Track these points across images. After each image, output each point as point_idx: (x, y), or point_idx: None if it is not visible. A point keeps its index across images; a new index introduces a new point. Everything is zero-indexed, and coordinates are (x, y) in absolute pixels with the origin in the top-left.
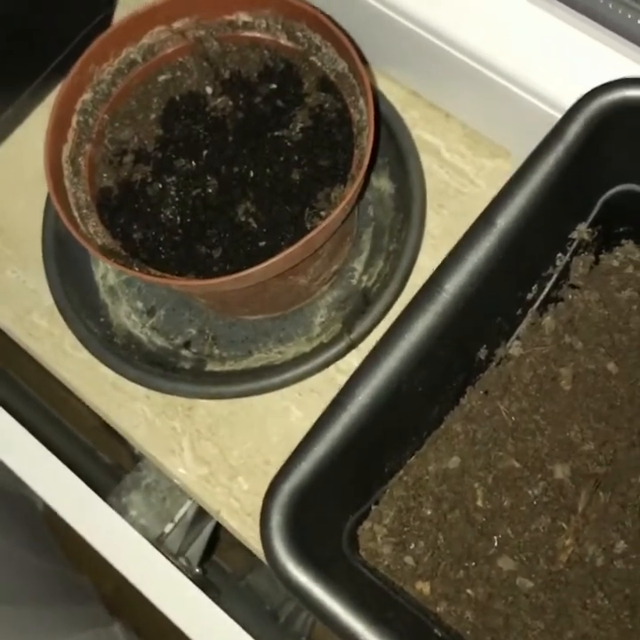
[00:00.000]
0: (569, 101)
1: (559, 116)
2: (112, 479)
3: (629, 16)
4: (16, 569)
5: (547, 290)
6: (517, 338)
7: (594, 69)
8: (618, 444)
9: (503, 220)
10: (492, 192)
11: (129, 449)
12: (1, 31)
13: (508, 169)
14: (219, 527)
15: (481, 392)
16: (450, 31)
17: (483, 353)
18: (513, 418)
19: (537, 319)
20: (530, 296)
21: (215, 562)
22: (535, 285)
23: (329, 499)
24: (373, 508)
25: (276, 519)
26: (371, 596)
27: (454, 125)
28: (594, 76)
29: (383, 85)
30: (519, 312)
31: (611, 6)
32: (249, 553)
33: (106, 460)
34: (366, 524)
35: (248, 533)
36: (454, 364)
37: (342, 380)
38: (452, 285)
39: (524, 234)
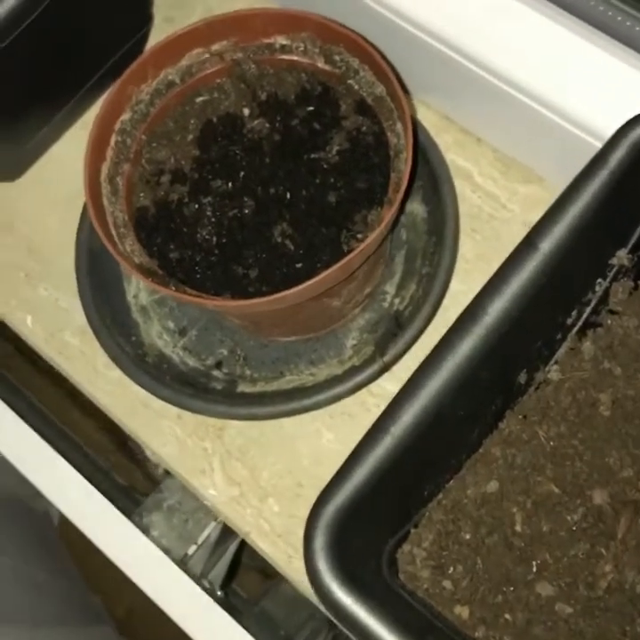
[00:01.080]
0: (604, 127)
1: (594, 142)
2: (129, 501)
3: None
4: (33, 589)
5: (586, 315)
6: (556, 362)
7: (630, 96)
8: None
9: (547, 245)
10: (525, 217)
11: (145, 471)
12: (40, 50)
13: (542, 195)
14: (241, 550)
15: (520, 416)
16: (484, 56)
17: (522, 377)
18: (551, 443)
19: (576, 344)
20: (569, 321)
21: (231, 586)
22: (575, 310)
23: (370, 521)
24: (413, 531)
25: (320, 540)
26: (411, 619)
27: (486, 150)
28: (630, 103)
29: (417, 110)
30: (559, 337)
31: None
32: (264, 578)
33: (122, 483)
34: (406, 547)
35: (278, 555)
36: (495, 387)
37: (374, 402)
38: (496, 308)
39: (567, 258)
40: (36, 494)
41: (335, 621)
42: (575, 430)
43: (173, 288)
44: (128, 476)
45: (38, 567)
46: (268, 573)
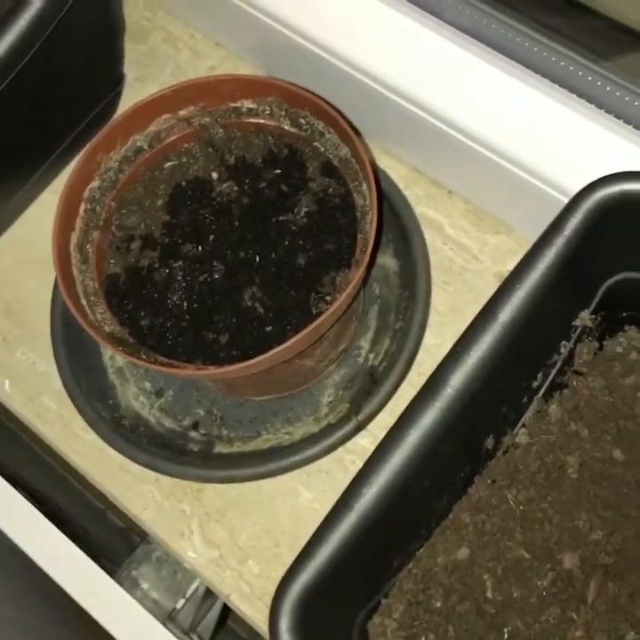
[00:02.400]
0: (573, 184)
1: (559, 196)
2: (123, 543)
3: (636, 103)
4: (28, 636)
5: (551, 377)
6: (523, 425)
7: (597, 154)
8: (625, 533)
9: (506, 314)
10: (496, 268)
11: None
12: (8, 118)
13: (511, 245)
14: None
15: (489, 481)
16: (448, 112)
17: (490, 442)
18: (521, 507)
19: (542, 407)
20: (535, 384)
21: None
22: (540, 373)
23: (338, 596)
24: (383, 601)
25: (286, 621)
26: None
27: (457, 202)
28: (597, 160)
29: (386, 163)
30: (525, 400)
31: (615, 92)
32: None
33: (117, 524)
34: (376, 619)
35: (259, 617)
36: (461, 455)
37: (350, 459)
38: (457, 381)
39: (528, 325)
40: None
41: None
42: (544, 494)
43: (144, 357)
44: (124, 516)
45: (34, 615)
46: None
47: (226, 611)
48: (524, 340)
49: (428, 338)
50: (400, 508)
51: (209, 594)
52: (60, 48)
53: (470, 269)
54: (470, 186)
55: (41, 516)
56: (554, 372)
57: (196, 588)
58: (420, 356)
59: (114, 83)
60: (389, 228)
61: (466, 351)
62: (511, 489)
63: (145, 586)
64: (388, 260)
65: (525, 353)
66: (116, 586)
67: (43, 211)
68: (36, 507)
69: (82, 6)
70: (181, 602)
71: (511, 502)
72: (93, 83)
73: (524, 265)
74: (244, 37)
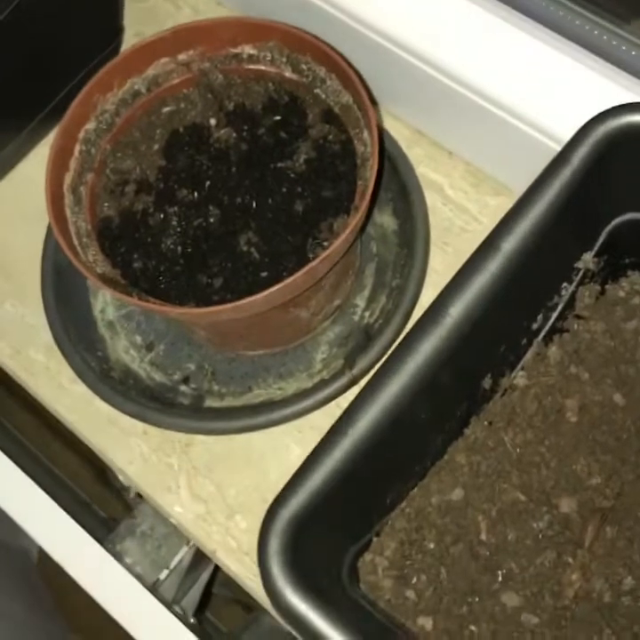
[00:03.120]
0: (570, 134)
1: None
2: (107, 531)
3: (633, 52)
4: (11, 626)
5: (552, 320)
6: (522, 368)
7: (598, 103)
8: (625, 478)
9: (508, 245)
10: None
11: (124, 501)
12: (5, 60)
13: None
14: (213, 579)
15: (485, 423)
16: (453, 67)
17: (487, 382)
18: (518, 450)
19: (542, 349)
20: (535, 326)
21: (209, 620)
22: (540, 315)
23: (329, 527)
24: (375, 539)
25: (274, 544)
26: (371, 629)
27: (458, 163)
28: (594, 108)
29: (388, 123)
30: (524, 342)
31: (614, 42)
32: (244, 610)
33: (101, 514)
34: (367, 556)
35: (245, 573)
36: (458, 392)
37: None
38: (457, 309)
39: (530, 259)
40: (15, 532)
41: (290, 628)
42: (542, 437)
43: (136, 297)
44: (108, 507)
45: (17, 605)
46: (248, 606)
47: (210, 588)
48: (526, 275)
49: (426, 296)
50: (394, 440)
51: (193, 567)
52: None
53: (469, 230)
54: (471, 146)
55: (27, 478)
56: (555, 314)
57: (181, 560)
58: (417, 313)
59: (112, 35)
60: (389, 187)
61: (467, 279)
62: (508, 431)
63: (129, 560)
64: (386, 219)
65: (526, 289)
66: (104, 553)
67: (33, 167)
68: (25, 470)
69: None
70: (165, 572)
71: (508, 444)
72: (90, 33)
73: (528, 195)
74: None
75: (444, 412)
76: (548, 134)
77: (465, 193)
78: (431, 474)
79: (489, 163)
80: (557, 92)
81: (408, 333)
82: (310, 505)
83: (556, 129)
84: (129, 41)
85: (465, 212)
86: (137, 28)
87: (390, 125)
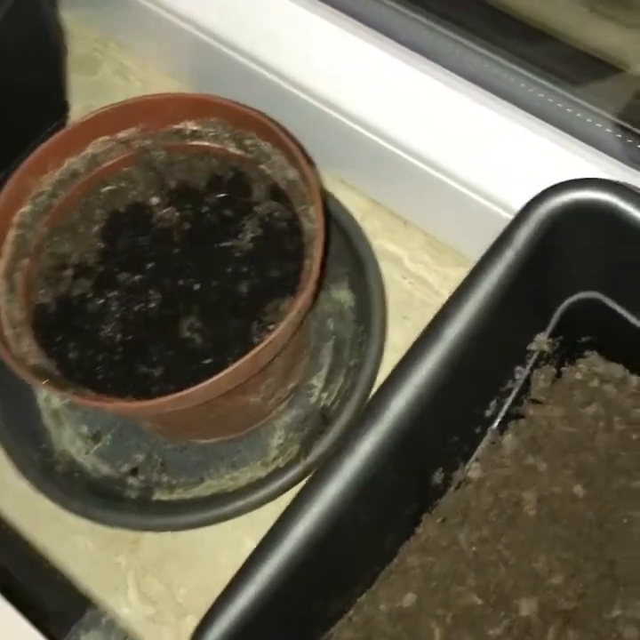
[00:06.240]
0: None
1: None
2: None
3: (588, 120)
4: None
5: (507, 406)
6: (476, 459)
7: (551, 172)
8: (588, 576)
9: (451, 332)
10: None
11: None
12: None
13: None
14: None
15: (438, 520)
16: (405, 138)
17: (439, 477)
18: (473, 548)
19: (497, 438)
20: (488, 413)
21: None
22: (494, 401)
23: None
24: None
25: None
26: None
27: (416, 234)
28: (550, 178)
29: (342, 194)
30: (478, 430)
31: (568, 110)
32: None
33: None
34: None
35: None
36: (406, 489)
37: None
38: (398, 403)
39: (476, 345)
40: None
41: None
42: (499, 533)
43: (72, 391)
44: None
45: None
46: None
47: None
48: (474, 360)
49: (383, 375)
50: (335, 545)
51: None
52: None
53: (430, 304)
54: (429, 217)
55: None
56: (509, 400)
57: None
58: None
59: (57, 111)
60: (344, 261)
61: (408, 371)
62: (463, 528)
63: None
64: (343, 295)
65: (476, 377)
66: None
67: None
68: None
69: (13, 22)
70: None
71: (462, 543)
72: (34, 109)
73: (470, 279)
74: (197, 67)
75: (391, 513)
76: (503, 205)
77: (425, 264)
78: (380, 578)
79: (447, 233)
80: (511, 163)
81: (347, 431)
82: (239, 626)
83: (511, 200)
84: (78, 114)
85: (425, 284)
86: (86, 101)
87: (344, 196)
